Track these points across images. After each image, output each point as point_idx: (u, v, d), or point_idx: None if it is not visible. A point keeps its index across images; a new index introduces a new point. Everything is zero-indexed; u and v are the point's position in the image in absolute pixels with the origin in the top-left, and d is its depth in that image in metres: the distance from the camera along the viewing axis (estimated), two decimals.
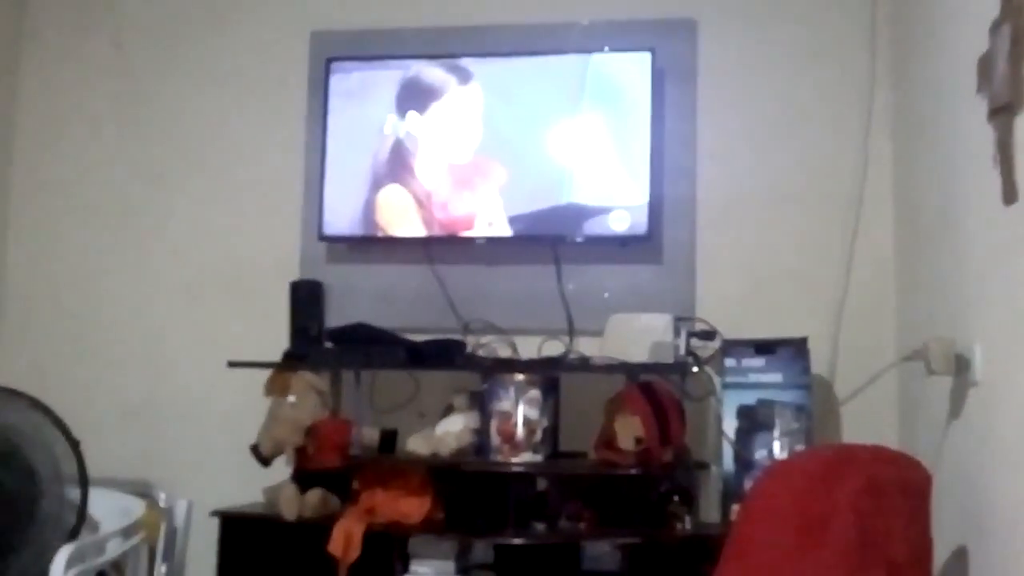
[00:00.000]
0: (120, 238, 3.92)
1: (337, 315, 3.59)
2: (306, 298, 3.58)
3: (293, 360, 3.41)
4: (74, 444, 2.54)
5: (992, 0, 2.18)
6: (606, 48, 3.56)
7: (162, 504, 2.96)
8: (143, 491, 3.15)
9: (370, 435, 3.37)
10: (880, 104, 3.48)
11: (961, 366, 2.49)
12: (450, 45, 3.69)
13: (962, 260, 2.56)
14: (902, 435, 3.25)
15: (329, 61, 3.68)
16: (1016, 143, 2.08)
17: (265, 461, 3.28)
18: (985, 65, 2.26)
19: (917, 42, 3.15)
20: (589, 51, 3.56)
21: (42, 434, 2.53)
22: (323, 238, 3.64)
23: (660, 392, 3.23)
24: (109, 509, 2.73)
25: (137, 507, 2.79)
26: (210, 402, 3.73)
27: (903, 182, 3.36)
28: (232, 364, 3.39)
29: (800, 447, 3.10)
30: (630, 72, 3.50)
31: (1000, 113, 2.14)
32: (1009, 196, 2.11)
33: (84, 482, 2.55)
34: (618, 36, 3.59)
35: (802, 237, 3.51)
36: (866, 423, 3.33)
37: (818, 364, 3.29)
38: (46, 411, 2.57)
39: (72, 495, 2.53)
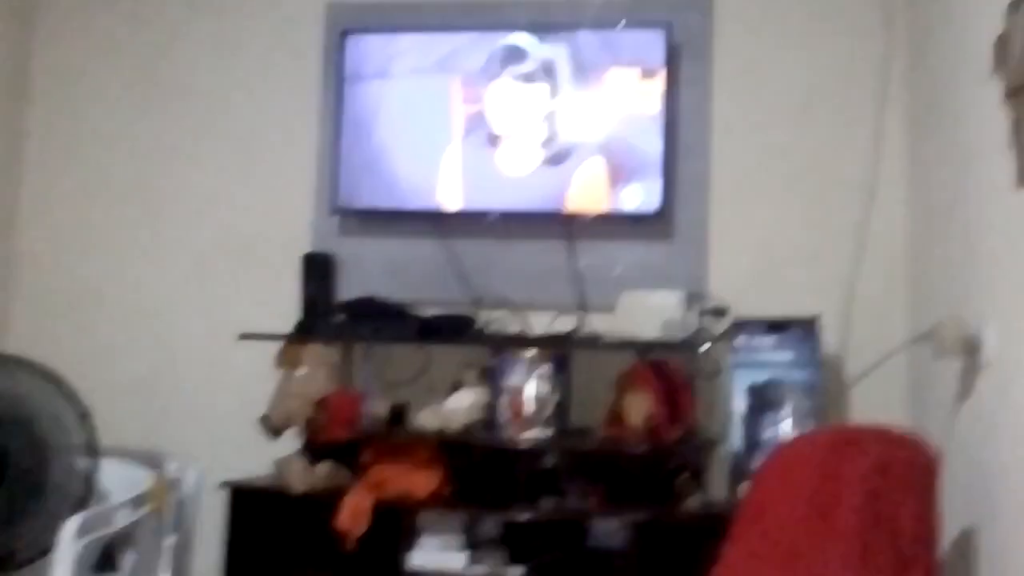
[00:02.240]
0: (132, 210, 3.93)
1: (349, 288, 3.60)
2: (318, 271, 3.59)
3: (304, 333, 3.42)
4: (84, 414, 2.56)
5: None
6: (622, 23, 3.54)
7: (172, 474, 2.97)
8: (153, 461, 3.17)
9: (380, 409, 3.37)
10: (895, 83, 3.45)
11: (972, 347, 2.49)
12: (467, 19, 3.68)
13: (974, 242, 2.55)
14: (912, 415, 3.24)
15: (344, 33, 3.67)
16: None
17: (275, 433, 3.30)
18: (1001, 46, 2.23)
19: (933, 22, 3.12)
20: (605, 27, 3.54)
21: (53, 404, 2.55)
22: (336, 211, 3.64)
23: (670, 370, 3.23)
24: (119, 479, 2.75)
25: (146, 477, 2.81)
26: (221, 373, 3.74)
27: (917, 162, 3.33)
28: (243, 336, 3.41)
29: (810, 426, 3.10)
30: (645, 47, 3.48)
31: (1016, 94, 2.12)
32: (1023, 178, 2.10)
33: (94, 452, 2.56)
34: (633, 11, 3.57)
35: (815, 216, 3.49)
36: (876, 403, 3.32)
37: (829, 343, 3.28)
38: (57, 381, 2.58)
39: (82, 465, 2.55)
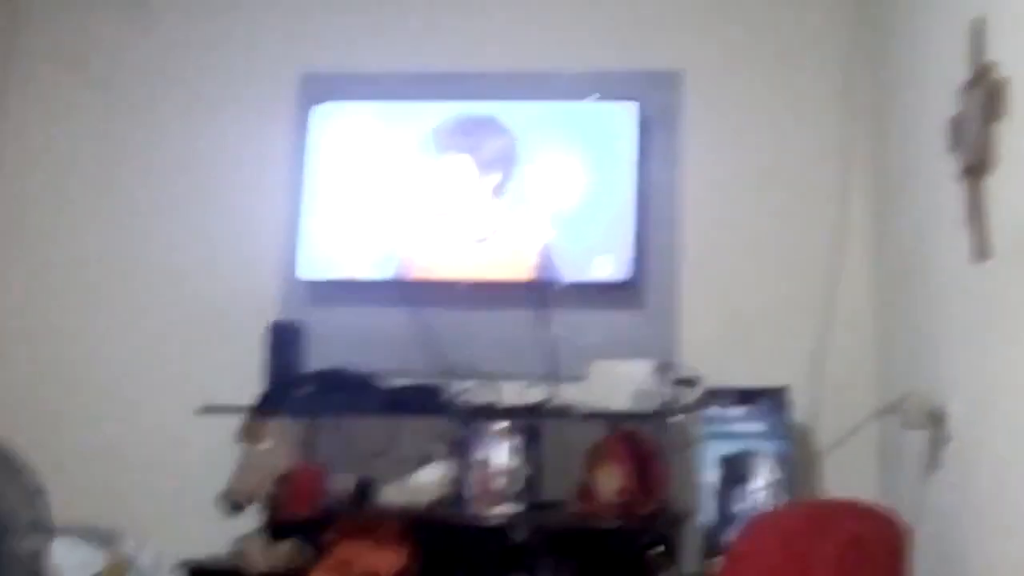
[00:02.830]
0: (93, 277, 3.87)
1: (317, 358, 3.56)
2: (284, 341, 3.55)
3: (268, 405, 3.38)
4: (36, 491, 2.51)
5: (963, 63, 2.21)
6: (594, 96, 3.57)
7: (128, 553, 2.92)
8: (109, 539, 3.13)
9: (345, 484, 3.32)
10: (858, 157, 3.51)
11: (937, 420, 2.50)
12: (440, 90, 3.70)
13: (937, 316, 2.58)
14: (882, 486, 3.24)
15: (315, 103, 3.68)
16: (986, 202, 2.10)
17: (235, 509, 3.24)
18: (956, 126, 2.29)
19: (893, 101, 3.20)
20: (578, 99, 3.58)
21: (4, 481, 2.50)
22: (304, 280, 3.63)
23: (642, 441, 3.21)
24: (72, 559, 2.70)
25: (101, 557, 2.76)
26: (181, 447, 3.66)
27: (880, 236, 3.39)
28: (205, 409, 3.36)
29: (781, 498, 3.08)
30: (617, 121, 3.52)
31: (970, 173, 2.16)
32: (980, 254, 2.12)
33: (46, 531, 2.51)
34: (606, 86, 3.62)
35: (783, 286, 3.52)
36: (846, 474, 3.31)
37: (799, 413, 3.27)
38: (8, 457, 2.54)
39: (32, 545, 2.49)
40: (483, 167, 3.56)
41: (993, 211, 2.08)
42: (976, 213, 2.13)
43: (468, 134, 3.58)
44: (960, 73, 2.22)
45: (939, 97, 2.42)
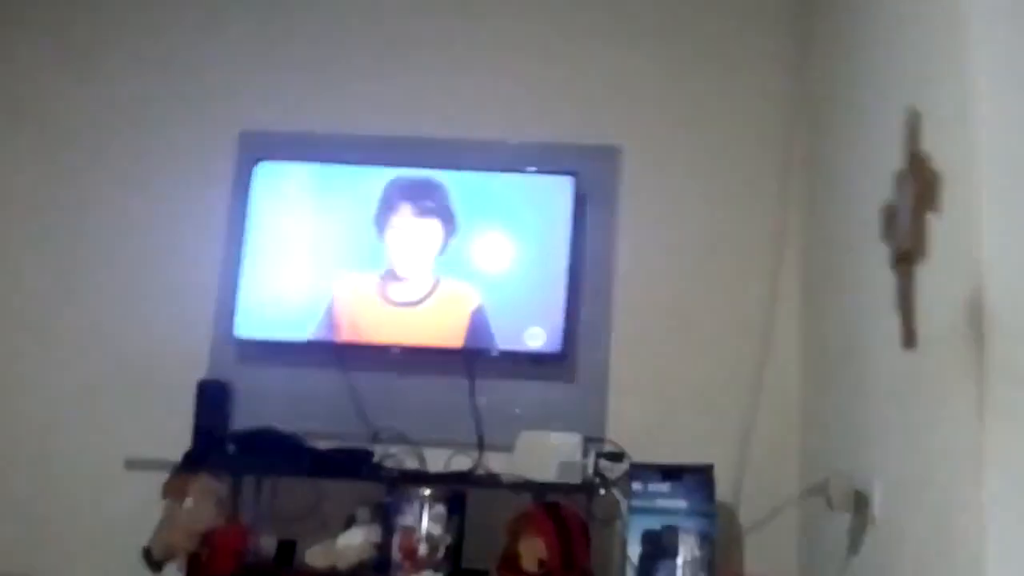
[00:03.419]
0: (26, 327, 3.80)
1: (244, 417, 3.52)
2: (212, 398, 3.51)
3: (193, 462, 3.33)
4: None
5: (898, 152, 2.26)
6: (531, 169, 3.62)
7: None
8: None
9: (267, 545, 3.29)
10: (791, 238, 3.58)
11: (860, 503, 2.52)
12: (380, 154, 3.71)
13: (864, 399, 2.61)
14: (802, 568, 3.27)
15: (255, 161, 3.68)
16: (916, 291, 2.15)
17: (156, 566, 3.17)
18: (889, 214, 2.34)
19: (828, 184, 3.26)
20: (514, 171, 3.63)
21: None
22: (235, 339, 3.59)
23: (566, 513, 3.21)
24: None
25: None
26: (104, 502, 3.58)
27: (810, 316, 3.44)
28: (130, 463, 3.30)
29: (703, 575, 3.09)
30: (553, 193, 3.56)
31: (902, 262, 2.21)
32: (908, 340, 2.17)
33: None
34: (543, 158, 3.67)
35: (712, 364, 3.56)
36: (769, 553, 3.34)
37: (723, 491, 3.29)
38: None
39: None
40: (421, 231, 3.58)
41: (921, 299, 2.12)
42: (906, 301, 2.18)
43: (407, 198, 3.60)
44: (895, 161, 2.27)
45: (874, 184, 2.47)
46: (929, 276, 2.10)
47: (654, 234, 3.67)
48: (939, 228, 2.03)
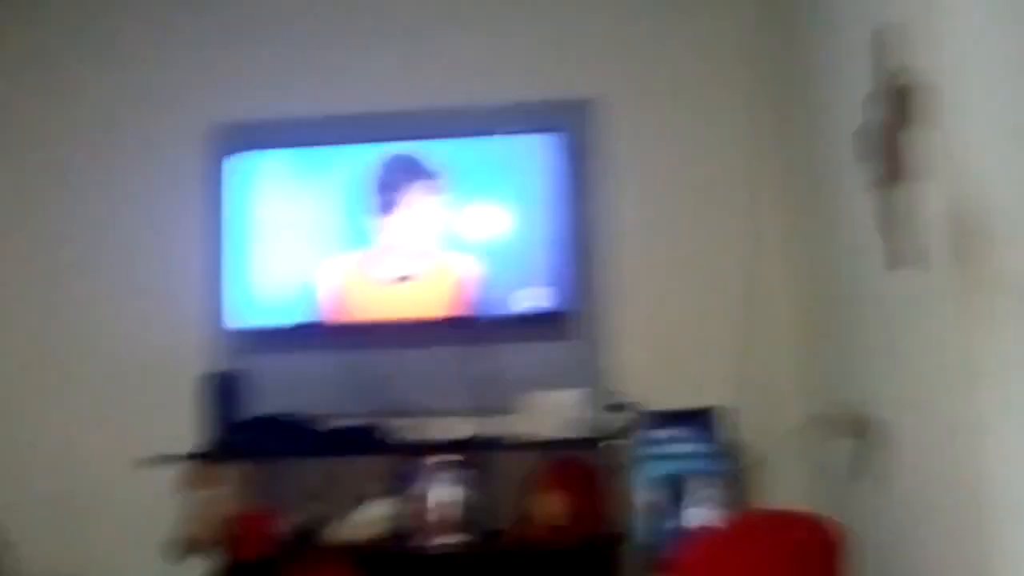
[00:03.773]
0: (32, 336, 3.84)
1: (250, 406, 3.56)
2: (220, 390, 3.53)
3: (207, 453, 3.37)
4: (6, 545, 2.47)
5: (868, 74, 2.28)
6: (512, 130, 3.63)
7: None
8: None
9: (289, 526, 3.33)
10: (771, 174, 3.59)
11: (862, 428, 2.57)
12: (357, 132, 3.72)
13: (854, 324, 2.64)
14: (814, 495, 3.30)
15: (228, 152, 3.69)
16: (897, 211, 2.17)
17: (182, 557, 3.22)
18: (863, 136, 2.36)
19: (802, 113, 3.28)
20: (495, 134, 3.63)
21: None
22: (231, 329, 3.63)
23: (577, 467, 3.26)
24: None
25: None
26: (127, 499, 3.61)
27: (797, 250, 3.47)
28: (145, 460, 3.34)
29: (717, 514, 3.13)
30: (538, 153, 3.58)
31: (881, 182, 2.23)
32: (893, 261, 2.20)
33: None
34: (526, 118, 3.66)
35: (706, 307, 3.59)
36: (780, 486, 3.37)
37: (730, 430, 3.32)
38: None
39: None
40: (407, 205, 3.60)
41: (902, 219, 2.15)
42: (888, 222, 2.21)
43: (391, 173, 3.62)
44: (867, 82, 2.29)
45: (848, 108, 2.48)
46: (907, 195, 2.12)
47: (640, 185, 3.68)
48: (915, 146, 2.05)
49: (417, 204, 3.60)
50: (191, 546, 3.22)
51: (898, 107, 2.09)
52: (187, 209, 3.81)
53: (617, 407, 3.39)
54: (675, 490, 3.20)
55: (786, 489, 3.33)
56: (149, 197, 3.86)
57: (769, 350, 3.52)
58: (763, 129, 3.62)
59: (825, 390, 3.02)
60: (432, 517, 3.20)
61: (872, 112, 2.29)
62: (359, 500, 3.35)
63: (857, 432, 2.59)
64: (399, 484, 3.28)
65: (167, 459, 3.34)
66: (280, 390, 3.59)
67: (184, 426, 3.49)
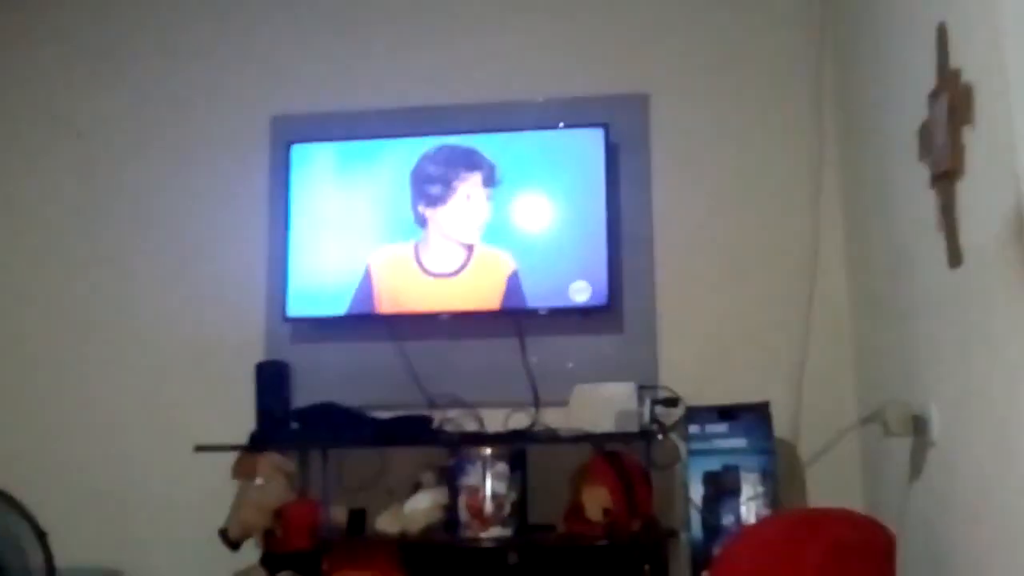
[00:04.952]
0: (84, 325, 3.90)
1: (303, 395, 3.59)
2: (271, 379, 3.58)
3: (259, 442, 3.40)
4: (41, 535, 2.52)
5: (929, 71, 2.26)
6: (561, 125, 3.63)
7: None
8: None
9: (338, 515, 3.36)
10: (828, 169, 3.57)
11: (919, 427, 2.53)
12: (409, 125, 3.75)
13: (914, 322, 2.61)
14: (866, 496, 3.28)
15: (290, 144, 3.72)
16: (958, 208, 2.15)
17: (233, 545, 3.25)
18: (925, 133, 2.33)
19: (861, 110, 3.24)
20: (544, 128, 3.64)
21: (8, 526, 2.51)
22: (288, 319, 3.66)
23: (626, 461, 3.25)
24: None
25: None
26: (178, 486, 3.68)
27: (853, 245, 3.44)
28: (199, 448, 3.38)
29: (767, 511, 3.12)
30: (585, 147, 3.57)
31: (942, 180, 2.21)
32: (954, 259, 2.18)
33: (52, 573, 2.52)
34: (573, 112, 3.68)
35: (759, 302, 3.57)
36: (830, 485, 3.35)
37: (781, 427, 3.31)
38: (12, 503, 2.55)
39: None
40: (458, 198, 3.61)
41: (964, 216, 2.12)
42: (948, 219, 2.18)
43: (442, 166, 3.63)
44: (928, 80, 2.26)
45: (909, 105, 2.45)
46: (970, 192, 2.09)
47: (690, 178, 3.67)
48: (976, 142, 2.03)
49: (468, 196, 3.60)
50: (241, 535, 3.25)
51: (958, 105, 2.06)
52: (248, 201, 3.87)
53: (668, 401, 3.39)
54: (725, 486, 3.19)
55: (839, 489, 3.29)
56: (212, 189, 3.92)
57: (826, 346, 3.49)
58: (821, 125, 3.59)
59: (882, 388, 2.98)
60: (481, 509, 3.21)
61: (932, 110, 2.26)
62: (410, 490, 3.36)
63: (915, 431, 2.56)
64: (451, 474, 3.28)
65: (219, 448, 3.38)
66: (333, 380, 3.62)
67: (240, 414, 3.54)
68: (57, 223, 3.99)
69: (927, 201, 2.32)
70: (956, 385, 2.28)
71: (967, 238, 2.12)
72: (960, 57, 2.11)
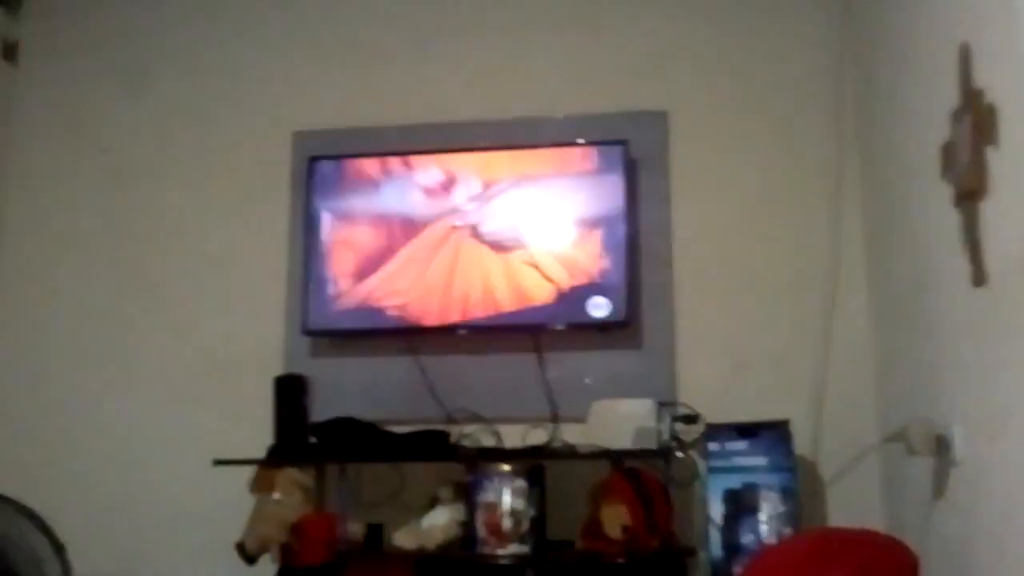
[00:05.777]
0: (104, 339, 3.92)
1: (322, 409, 3.57)
2: (290, 393, 3.56)
3: (277, 456, 3.40)
4: (59, 548, 2.53)
5: (952, 90, 2.25)
6: (580, 141, 3.63)
7: None
8: None
9: (356, 530, 3.35)
10: (849, 187, 3.56)
11: (942, 447, 2.51)
12: (430, 141, 3.75)
13: (937, 341, 2.59)
14: (888, 515, 3.25)
15: (312, 160, 3.74)
16: (981, 228, 2.13)
17: (251, 559, 3.24)
18: (948, 152, 2.33)
19: (883, 128, 3.23)
20: (564, 144, 3.64)
21: (27, 539, 2.52)
22: (307, 332, 3.66)
23: (645, 478, 3.23)
24: None
25: None
26: (195, 500, 3.68)
27: (875, 263, 3.42)
28: (217, 462, 3.38)
29: (787, 530, 3.10)
30: (604, 163, 3.57)
31: (965, 199, 2.20)
32: (978, 279, 2.16)
33: None
34: (592, 129, 3.68)
35: (779, 319, 3.55)
36: (852, 504, 3.34)
37: (802, 446, 3.29)
38: (31, 516, 2.56)
39: None
40: (479, 214, 3.62)
41: (988, 236, 2.12)
42: (972, 238, 2.17)
43: (464, 183, 3.64)
44: (951, 99, 2.26)
45: (930, 123, 2.45)
46: (994, 211, 2.08)
47: (709, 194, 3.66)
48: (1000, 163, 2.02)
49: (489, 213, 3.60)
50: (259, 548, 3.24)
51: (981, 124, 2.05)
52: (269, 215, 3.88)
53: (687, 418, 3.37)
54: (745, 504, 3.17)
55: (860, 508, 3.28)
56: (233, 203, 3.95)
57: (847, 365, 3.47)
58: (842, 143, 3.58)
59: (905, 407, 2.96)
60: (499, 525, 3.20)
61: (955, 129, 2.25)
62: (427, 505, 3.35)
63: (938, 451, 2.54)
64: (468, 490, 3.27)
65: (238, 462, 3.38)
66: (355, 394, 3.63)
67: (258, 428, 3.52)
68: (80, 237, 4.01)
69: (950, 220, 2.31)
70: (980, 405, 2.26)
71: (991, 257, 2.11)
72: (983, 77, 2.10)
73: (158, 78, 4.07)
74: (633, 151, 3.60)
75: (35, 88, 4.14)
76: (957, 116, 2.24)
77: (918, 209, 2.72)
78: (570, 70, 3.83)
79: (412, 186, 3.68)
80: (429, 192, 3.67)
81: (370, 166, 3.72)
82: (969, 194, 2.17)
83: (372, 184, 3.71)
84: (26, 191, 4.07)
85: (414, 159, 3.71)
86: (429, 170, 3.68)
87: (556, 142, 3.67)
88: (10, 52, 4.14)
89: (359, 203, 3.70)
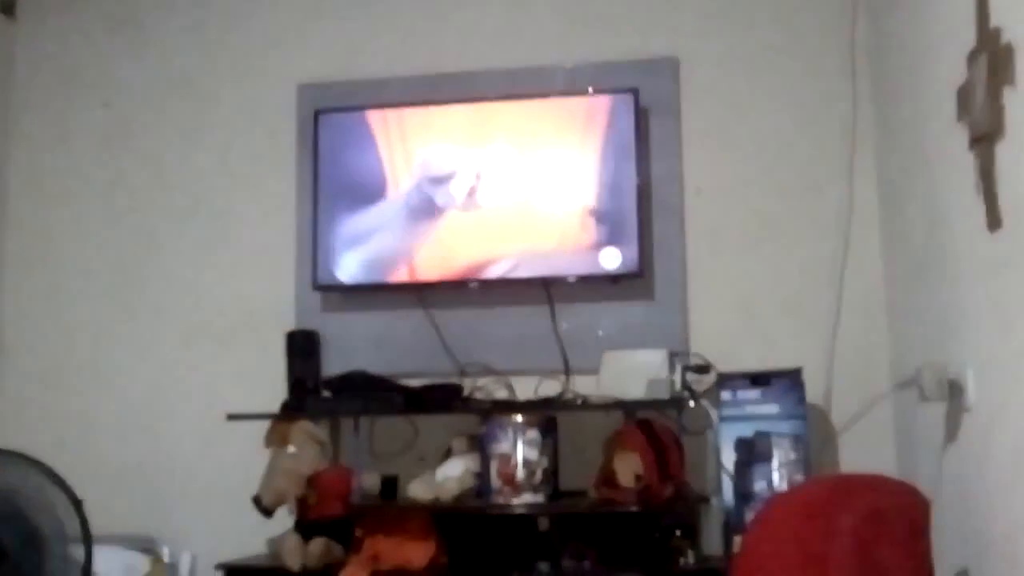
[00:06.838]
0: (115, 296, 3.93)
1: (334, 363, 3.60)
2: (302, 348, 3.58)
3: (291, 410, 3.42)
4: (76, 503, 2.55)
5: (968, 30, 2.22)
6: (590, 90, 3.60)
7: (166, 559, 2.96)
8: (147, 546, 3.15)
9: (371, 482, 3.38)
10: (863, 133, 3.52)
11: (954, 391, 2.50)
12: (437, 92, 3.72)
13: (951, 286, 2.58)
14: (900, 461, 3.26)
15: (317, 113, 3.71)
16: (998, 171, 2.11)
17: (267, 512, 3.27)
18: (964, 94, 2.29)
19: (897, 71, 3.19)
20: (574, 93, 3.61)
21: (44, 494, 2.54)
22: (317, 287, 3.66)
23: (658, 428, 3.24)
24: (114, 566, 2.73)
25: (141, 563, 2.80)
26: (211, 455, 3.71)
27: (889, 209, 3.39)
28: (231, 417, 3.39)
29: (799, 477, 3.11)
30: (614, 112, 3.54)
31: (981, 142, 2.17)
32: (993, 222, 2.14)
33: (88, 540, 2.55)
34: (602, 77, 3.64)
35: (792, 267, 3.54)
36: (864, 450, 3.34)
37: (813, 393, 3.29)
38: (48, 471, 2.57)
39: (76, 554, 2.53)
40: (490, 166, 3.60)
41: (1004, 179, 2.09)
42: (988, 181, 2.14)
43: (472, 135, 3.62)
44: (967, 40, 2.22)
45: (946, 66, 2.41)
46: (1010, 153, 2.05)
47: (721, 143, 3.64)
48: (1017, 103, 1.99)
49: (500, 165, 3.58)
50: (275, 502, 3.26)
51: (998, 65, 2.02)
52: (276, 169, 3.86)
53: (699, 368, 3.37)
54: (758, 452, 3.18)
55: (872, 455, 3.29)
56: (240, 157, 3.94)
57: (860, 311, 3.46)
58: (855, 87, 3.53)
59: (916, 353, 2.95)
60: (513, 476, 3.21)
61: (971, 70, 2.22)
62: (442, 457, 3.37)
63: (951, 396, 2.53)
64: (482, 442, 3.28)
65: (252, 416, 3.39)
66: (366, 348, 3.64)
67: (272, 382, 3.55)
68: (84, 194, 4.01)
69: (966, 163, 2.28)
70: (993, 349, 2.25)
71: (1007, 201, 2.09)
72: (1000, 16, 2.06)
73: (160, 32, 4.04)
74: (643, 99, 3.56)
75: (34, 42, 4.11)
76: (973, 57, 2.20)
77: (933, 152, 2.69)
78: (579, 18, 3.78)
79: (419, 137, 3.64)
80: (436, 144, 3.63)
81: (376, 118, 3.69)
82: (985, 136, 2.14)
83: (378, 135, 3.67)
84: (27, 147, 4.06)
85: (422, 109, 3.67)
86: (438, 121, 3.64)
87: (565, 91, 3.64)
88: (8, 6, 4.10)
89: (366, 155, 3.67)
